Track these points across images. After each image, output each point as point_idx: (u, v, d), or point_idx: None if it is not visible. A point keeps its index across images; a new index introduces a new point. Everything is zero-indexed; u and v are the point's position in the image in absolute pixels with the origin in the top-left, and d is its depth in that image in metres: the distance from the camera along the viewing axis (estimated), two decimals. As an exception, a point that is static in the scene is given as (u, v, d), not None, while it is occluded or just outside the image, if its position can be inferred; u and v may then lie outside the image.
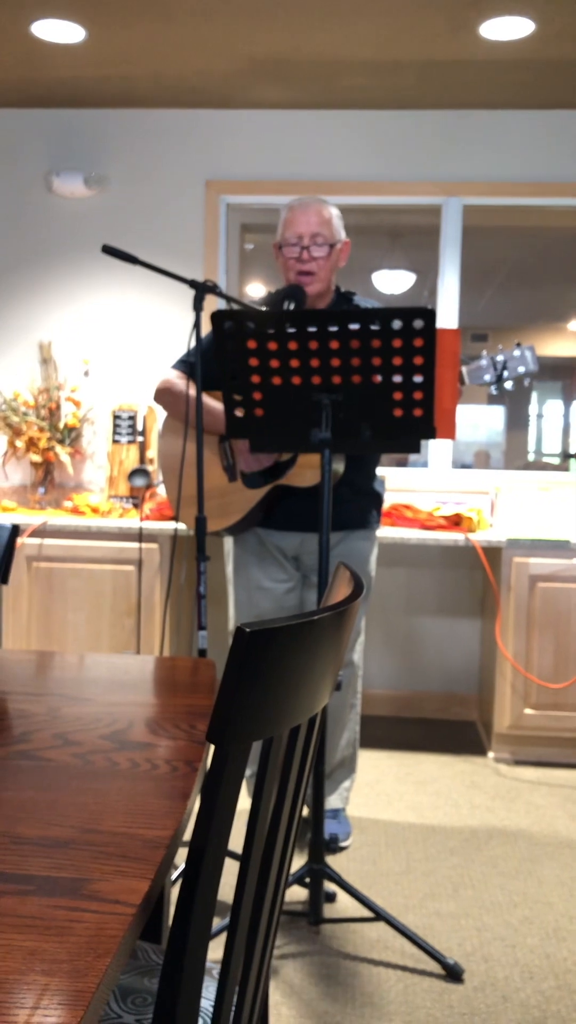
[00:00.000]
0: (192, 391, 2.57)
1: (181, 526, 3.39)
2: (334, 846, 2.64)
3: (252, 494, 2.55)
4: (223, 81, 3.64)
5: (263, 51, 3.36)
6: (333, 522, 2.59)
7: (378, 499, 2.71)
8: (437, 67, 3.46)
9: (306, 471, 2.50)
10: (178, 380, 2.63)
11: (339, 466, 2.47)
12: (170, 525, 3.44)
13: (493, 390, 2.40)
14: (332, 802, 2.77)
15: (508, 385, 2.38)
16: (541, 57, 3.36)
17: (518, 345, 2.41)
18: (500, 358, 2.38)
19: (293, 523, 2.59)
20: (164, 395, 2.64)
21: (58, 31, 3.25)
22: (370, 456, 2.66)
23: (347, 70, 3.50)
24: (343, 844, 2.67)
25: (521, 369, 2.37)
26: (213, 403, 2.57)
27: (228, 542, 2.75)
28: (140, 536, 3.41)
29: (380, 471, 3.82)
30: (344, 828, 2.71)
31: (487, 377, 2.39)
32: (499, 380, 2.38)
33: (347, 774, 2.79)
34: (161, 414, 4.03)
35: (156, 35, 3.27)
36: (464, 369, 2.40)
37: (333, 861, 2.58)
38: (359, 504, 2.64)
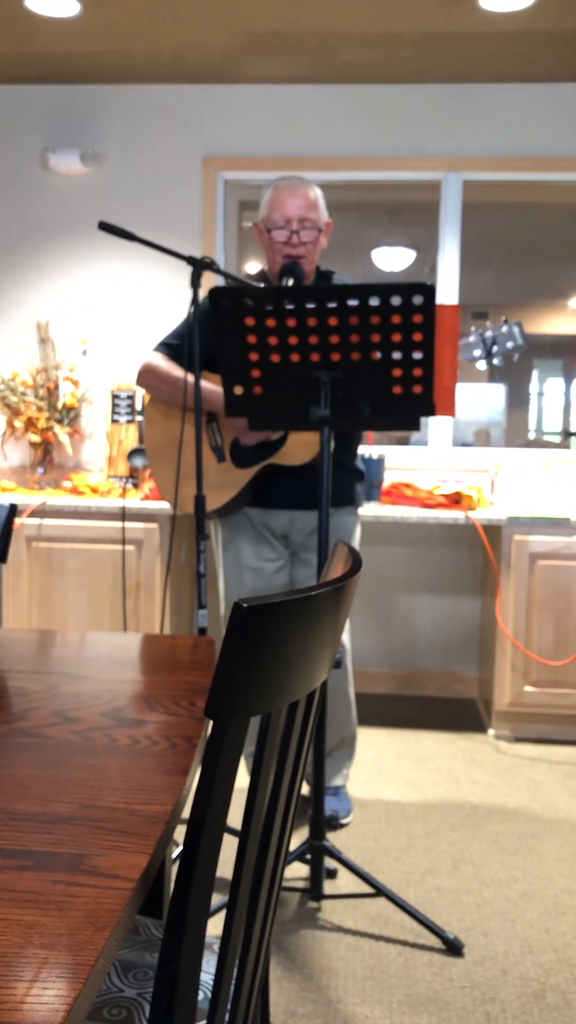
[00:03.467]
0: (176, 372, 2.56)
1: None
2: (335, 823, 2.65)
3: (242, 474, 2.54)
4: (220, 56, 3.60)
5: (261, 25, 3.32)
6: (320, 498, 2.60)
7: (361, 476, 2.72)
8: (436, 40, 3.42)
9: (297, 449, 2.49)
10: (161, 362, 2.61)
11: (330, 444, 2.48)
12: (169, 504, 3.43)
13: (482, 365, 2.41)
14: (334, 780, 2.78)
15: (496, 361, 2.39)
16: (541, 29, 3.32)
17: (505, 321, 2.42)
18: (489, 334, 2.40)
19: (282, 501, 2.59)
20: (147, 376, 2.61)
21: (53, 5, 3.21)
22: (355, 434, 2.66)
23: (345, 44, 3.46)
24: (344, 821, 2.68)
25: (510, 344, 2.38)
26: (203, 383, 2.56)
27: (215, 524, 2.73)
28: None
29: (380, 450, 3.81)
30: (345, 805, 2.72)
31: (476, 352, 2.40)
32: (489, 356, 2.39)
33: (347, 752, 2.80)
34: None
35: (152, 9, 3.23)
36: None
37: (334, 837, 2.60)
38: (345, 481, 2.65)
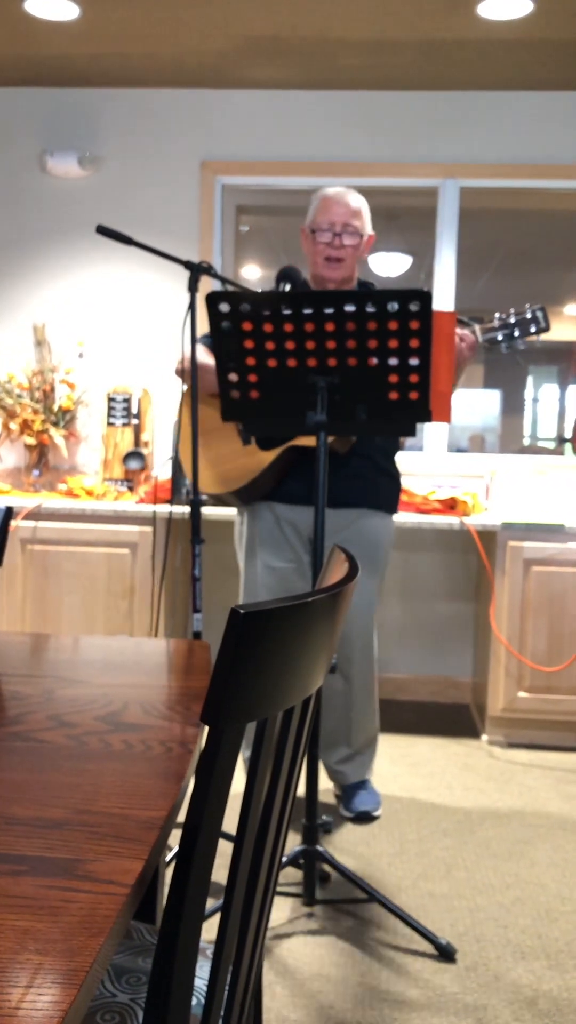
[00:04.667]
0: (207, 360, 2.58)
1: (178, 508, 3.39)
2: (368, 817, 2.71)
3: (266, 456, 2.57)
4: (219, 60, 3.61)
5: (259, 30, 3.33)
6: (350, 497, 2.61)
7: (396, 482, 2.73)
8: (435, 47, 3.43)
9: None
10: (202, 354, 2.63)
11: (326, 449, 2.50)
12: (165, 508, 3.43)
13: (504, 348, 2.43)
14: (361, 773, 2.81)
15: (520, 345, 2.42)
16: (539, 37, 3.33)
17: (528, 306, 2.44)
18: (512, 319, 2.42)
19: (309, 497, 2.61)
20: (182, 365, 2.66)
21: (52, 8, 3.22)
22: (392, 438, 2.68)
23: (344, 50, 3.47)
24: (376, 814, 2.73)
25: (532, 328, 2.41)
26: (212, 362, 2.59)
27: (239, 523, 2.75)
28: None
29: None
30: (375, 798, 2.77)
31: (499, 336, 2.43)
32: (511, 338, 2.42)
33: (372, 749, 2.84)
34: (158, 398, 4.01)
35: (151, 13, 3.24)
36: (477, 327, 2.43)
37: (327, 842, 2.59)
38: (377, 483, 2.65)
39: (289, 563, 2.65)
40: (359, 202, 2.59)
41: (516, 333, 2.43)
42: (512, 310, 2.45)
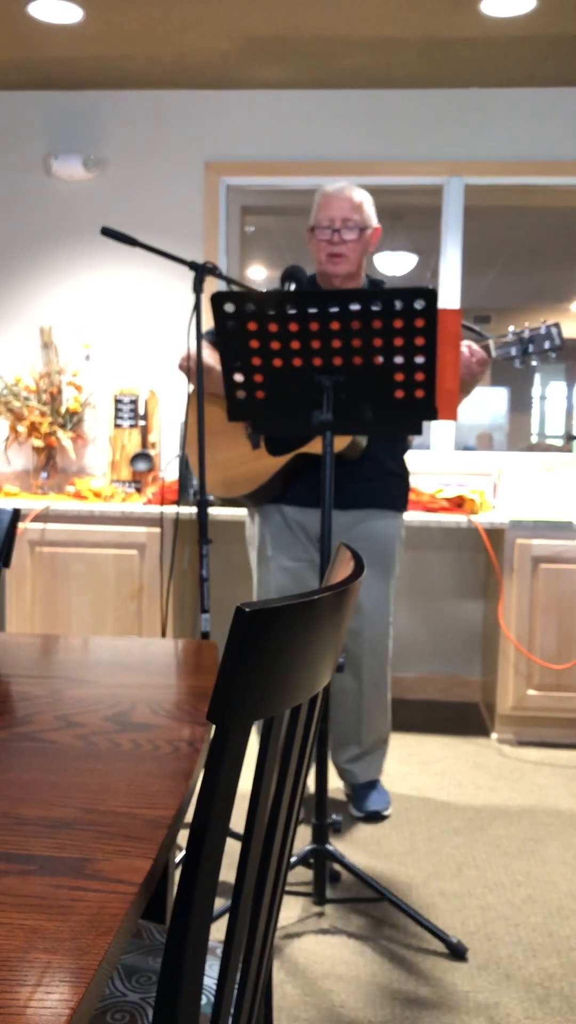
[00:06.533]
0: (214, 362, 2.58)
1: (184, 509, 3.39)
2: (379, 817, 2.71)
3: (275, 461, 2.57)
4: (222, 61, 3.61)
5: (262, 30, 3.33)
6: (357, 499, 2.61)
7: (405, 483, 2.72)
8: (438, 45, 3.43)
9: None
10: (205, 350, 2.64)
11: (362, 439, 2.49)
12: (173, 509, 3.43)
13: (518, 364, 2.42)
14: (371, 774, 2.81)
15: (534, 362, 2.41)
16: (543, 34, 3.32)
17: (544, 322, 2.43)
18: (527, 334, 2.41)
19: (318, 499, 2.61)
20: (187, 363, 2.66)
21: (55, 11, 3.22)
22: (399, 437, 2.67)
23: (347, 49, 3.47)
24: (386, 813, 2.74)
25: (547, 345, 2.40)
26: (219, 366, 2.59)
27: (251, 524, 2.75)
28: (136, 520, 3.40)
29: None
30: (385, 799, 2.77)
31: (513, 351, 2.41)
32: (525, 354, 2.41)
33: (383, 749, 2.84)
34: (165, 399, 4.02)
35: (154, 15, 3.24)
36: (491, 342, 2.42)
37: (337, 841, 2.59)
38: (385, 484, 2.65)
39: (301, 562, 2.66)
40: (359, 196, 2.57)
41: (530, 349, 2.41)
42: (527, 325, 2.44)
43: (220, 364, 2.57)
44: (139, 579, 3.43)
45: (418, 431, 2.13)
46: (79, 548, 3.45)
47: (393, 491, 2.67)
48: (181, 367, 2.64)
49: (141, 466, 3.78)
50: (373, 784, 2.80)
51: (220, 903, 2.20)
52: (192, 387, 2.70)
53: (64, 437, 3.81)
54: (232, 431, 2.64)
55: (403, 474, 2.72)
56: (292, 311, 2.00)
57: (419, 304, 1.95)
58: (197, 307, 2.39)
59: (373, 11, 3.17)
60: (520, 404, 9.96)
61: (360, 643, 2.67)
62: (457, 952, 2.04)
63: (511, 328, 2.44)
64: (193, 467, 2.68)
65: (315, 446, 2.52)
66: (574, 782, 3.07)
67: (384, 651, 2.72)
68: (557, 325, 2.41)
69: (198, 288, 2.36)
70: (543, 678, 3.35)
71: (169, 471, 3.84)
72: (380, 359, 2.02)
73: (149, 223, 3.98)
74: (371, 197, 2.62)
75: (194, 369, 2.62)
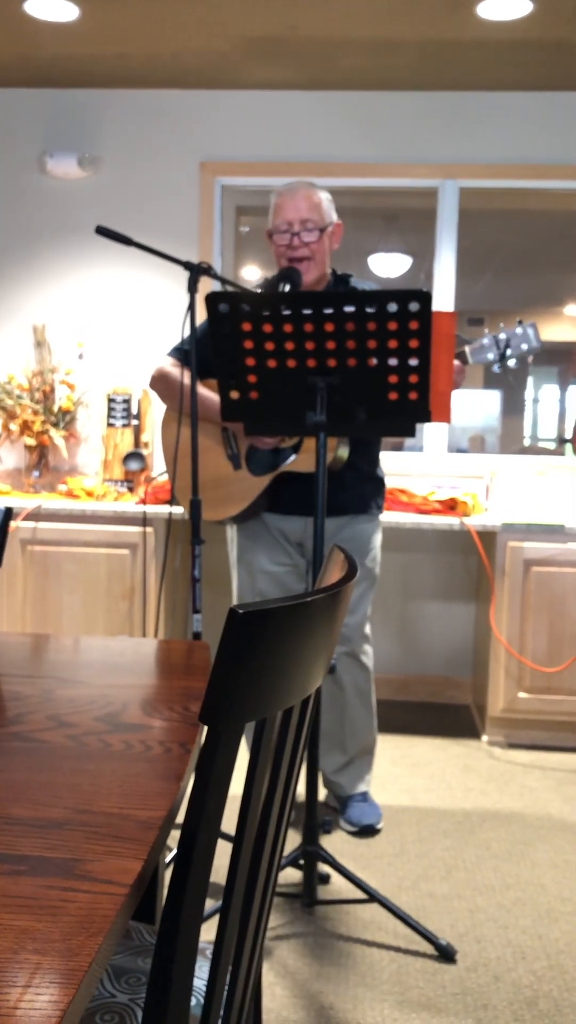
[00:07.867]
0: (187, 379, 2.55)
1: (176, 510, 3.39)
2: (372, 831, 2.66)
3: (257, 482, 2.54)
4: (218, 61, 3.61)
5: (259, 31, 3.33)
6: (338, 507, 2.59)
7: (380, 483, 2.71)
8: (434, 47, 3.43)
9: (312, 456, 2.49)
10: (172, 368, 2.61)
11: (344, 451, 2.47)
12: (165, 508, 3.43)
13: (496, 368, 2.39)
14: (358, 787, 2.77)
15: (512, 363, 2.38)
16: (539, 37, 3.33)
17: (520, 323, 2.40)
18: (503, 336, 2.37)
19: (298, 507, 2.58)
20: (158, 383, 2.64)
21: (51, 9, 3.22)
22: (374, 441, 2.66)
23: (344, 50, 3.47)
24: (379, 827, 2.69)
25: (524, 347, 2.36)
26: (208, 392, 2.55)
27: (231, 527, 2.74)
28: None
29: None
30: (376, 811, 2.71)
31: (490, 356, 2.38)
32: (502, 359, 2.37)
33: (368, 759, 2.80)
34: (158, 399, 4.01)
35: (150, 14, 3.24)
36: (467, 348, 2.40)
37: (327, 843, 2.59)
38: (363, 489, 2.64)
39: (283, 567, 2.65)
40: (316, 194, 2.48)
41: (508, 352, 2.37)
42: (502, 326, 2.41)
43: (200, 380, 2.57)
44: (131, 579, 3.42)
45: (411, 433, 2.13)
46: (71, 547, 3.44)
47: (369, 495, 2.66)
48: (152, 384, 2.62)
49: (134, 465, 3.78)
50: (362, 796, 2.77)
51: (211, 904, 2.20)
52: (166, 408, 2.68)
53: (57, 436, 3.80)
54: (210, 452, 2.62)
55: (380, 477, 2.70)
56: (287, 312, 2.00)
57: (413, 306, 1.95)
58: (192, 307, 2.38)
59: (370, 13, 3.17)
60: (513, 407, 9.98)
61: (339, 647, 2.65)
62: (446, 954, 2.04)
63: (486, 331, 2.41)
64: (180, 489, 2.65)
65: (297, 464, 2.50)
66: (564, 785, 3.08)
67: (361, 654, 2.70)
68: (533, 325, 2.38)
69: (192, 288, 2.36)
70: (534, 681, 3.35)
71: (161, 471, 3.83)
72: (374, 361, 2.02)
73: (144, 222, 3.97)
74: (329, 194, 2.53)
75: (164, 389, 2.61)
